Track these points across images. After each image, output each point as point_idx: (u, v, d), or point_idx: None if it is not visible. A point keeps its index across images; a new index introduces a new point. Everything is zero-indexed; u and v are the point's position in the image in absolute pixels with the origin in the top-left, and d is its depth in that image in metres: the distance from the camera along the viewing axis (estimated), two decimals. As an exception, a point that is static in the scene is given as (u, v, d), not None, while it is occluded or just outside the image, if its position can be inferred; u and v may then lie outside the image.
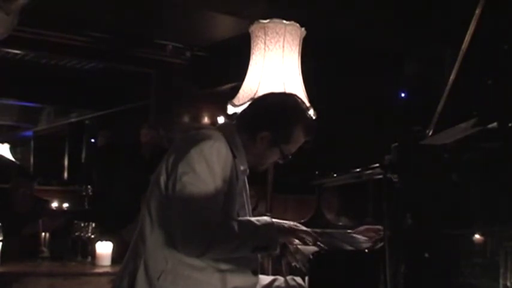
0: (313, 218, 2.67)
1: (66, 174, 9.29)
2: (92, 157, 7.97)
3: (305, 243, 1.94)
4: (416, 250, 1.32)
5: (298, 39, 2.72)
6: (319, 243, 1.87)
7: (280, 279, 2.12)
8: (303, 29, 2.74)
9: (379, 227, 2.03)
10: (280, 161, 2.04)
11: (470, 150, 1.35)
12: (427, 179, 1.35)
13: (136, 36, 5.97)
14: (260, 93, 2.54)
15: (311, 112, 2.52)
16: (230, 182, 1.85)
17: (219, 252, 1.80)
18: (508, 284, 1.31)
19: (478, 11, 1.69)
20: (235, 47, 4.09)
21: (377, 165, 1.83)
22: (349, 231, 2.24)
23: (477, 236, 1.35)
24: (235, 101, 2.66)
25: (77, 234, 3.69)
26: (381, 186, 1.39)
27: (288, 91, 2.50)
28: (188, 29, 5.74)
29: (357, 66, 5.20)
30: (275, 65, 2.65)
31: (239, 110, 2.53)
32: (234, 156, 1.89)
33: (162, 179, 1.84)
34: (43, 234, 3.64)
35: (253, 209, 2.34)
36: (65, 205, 5.19)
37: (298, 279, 2.10)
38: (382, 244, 1.68)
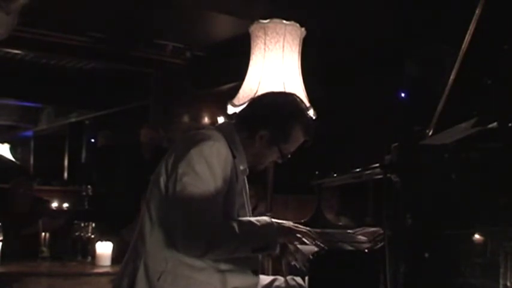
0: (313, 218, 2.67)
1: (66, 174, 9.29)
2: (92, 157, 7.97)
3: (304, 243, 1.94)
4: (416, 250, 1.32)
5: (298, 39, 2.72)
6: (319, 243, 1.87)
7: (280, 279, 2.12)
8: (303, 29, 2.74)
9: (379, 229, 2.03)
10: (279, 161, 2.05)
11: (470, 150, 1.35)
12: (427, 179, 1.35)
13: (136, 36, 5.97)
14: (260, 93, 2.54)
15: (311, 112, 2.52)
16: (230, 182, 1.85)
17: (220, 252, 1.80)
18: (508, 284, 1.31)
19: (478, 11, 1.69)
20: (235, 47, 4.08)
21: (377, 165, 1.83)
22: (349, 231, 2.24)
23: (477, 236, 1.35)
24: (235, 101, 2.66)
25: (77, 234, 3.69)
26: (381, 186, 1.39)
27: (288, 91, 2.50)
28: (188, 29, 5.74)
29: (357, 66, 5.20)
30: (275, 65, 2.65)
31: (239, 110, 2.53)
32: (234, 156, 1.89)
33: (162, 179, 1.84)
34: (43, 234, 3.64)
35: (254, 209, 2.34)
36: (65, 205, 5.20)
37: (298, 279, 2.10)
38: (382, 244, 1.68)
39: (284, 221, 1.97)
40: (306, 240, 1.92)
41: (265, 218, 1.91)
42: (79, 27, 5.67)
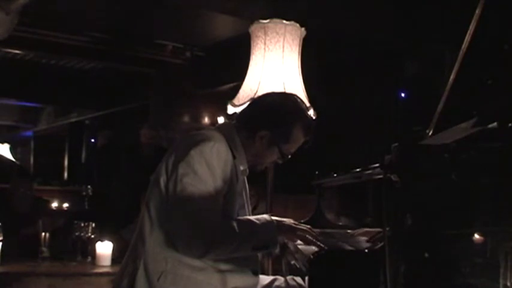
0: (313, 218, 2.67)
1: (66, 174, 9.29)
2: (92, 157, 7.96)
3: (304, 241, 1.94)
4: (416, 250, 1.32)
5: (298, 39, 2.72)
6: (318, 242, 1.87)
7: (280, 279, 2.12)
8: (303, 29, 2.74)
9: (379, 229, 2.03)
10: (279, 161, 2.05)
11: (470, 150, 1.35)
12: (427, 179, 1.35)
13: (137, 36, 5.97)
14: (260, 93, 2.54)
15: (311, 112, 2.52)
16: (230, 183, 1.85)
17: (220, 252, 1.80)
18: (508, 284, 1.31)
19: (478, 11, 1.70)
20: (235, 47, 4.08)
21: (377, 165, 1.83)
22: (349, 231, 2.24)
23: (477, 236, 1.35)
24: (235, 101, 2.66)
25: (77, 234, 3.70)
26: (381, 186, 1.39)
27: (288, 91, 2.50)
28: (188, 29, 5.74)
29: (357, 66, 5.20)
30: (275, 65, 2.65)
31: (239, 110, 2.53)
32: (234, 157, 1.89)
33: (162, 179, 1.84)
34: (43, 234, 3.64)
35: (254, 209, 2.33)
36: (65, 205, 5.19)
37: (298, 279, 2.10)
38: (382, 244, 1.68)
39: (284, 219, 1.97)
40: (306, 237, 1.92)
41: (265, 216, 1.91)
42: (79, 27, 5.67)
